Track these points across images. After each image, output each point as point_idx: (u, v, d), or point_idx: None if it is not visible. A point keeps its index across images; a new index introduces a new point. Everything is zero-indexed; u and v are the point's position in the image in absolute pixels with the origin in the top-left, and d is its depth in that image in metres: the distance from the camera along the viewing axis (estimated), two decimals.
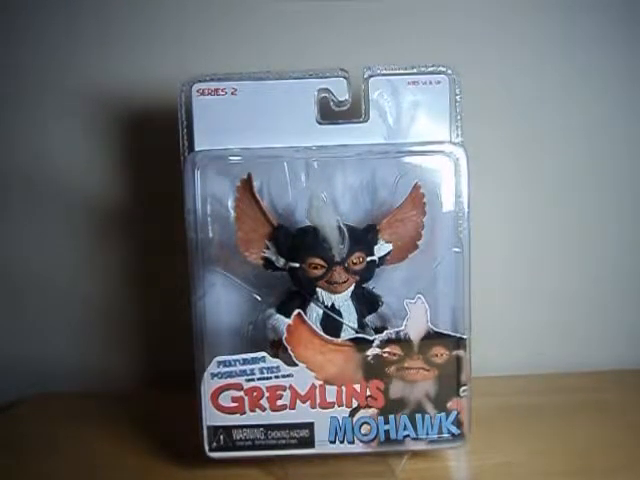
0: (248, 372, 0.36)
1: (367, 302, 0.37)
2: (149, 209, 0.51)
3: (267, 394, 0.36)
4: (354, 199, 0.38)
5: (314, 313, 0.36)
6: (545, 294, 0.53)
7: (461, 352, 0.36)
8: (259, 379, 0.36)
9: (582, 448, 0.39)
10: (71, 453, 0.41)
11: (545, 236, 0.52)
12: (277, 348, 0.36)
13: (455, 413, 0.37)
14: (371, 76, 0.37)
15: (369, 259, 0.37)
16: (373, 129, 0.37)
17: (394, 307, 0.37)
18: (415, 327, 0.36)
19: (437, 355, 0.36)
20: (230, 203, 0.36)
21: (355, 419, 0.36)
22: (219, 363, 0.36)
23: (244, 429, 0.36)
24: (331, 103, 0.37)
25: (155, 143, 0.47)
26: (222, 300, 0.38)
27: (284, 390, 0.36)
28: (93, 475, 0.39)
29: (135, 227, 0.52)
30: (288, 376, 0.36)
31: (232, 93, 0.37)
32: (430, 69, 0.37)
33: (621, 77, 0.51)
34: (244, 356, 0.36)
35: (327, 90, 0.37)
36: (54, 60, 0.51)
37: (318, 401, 0.36)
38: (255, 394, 0.36)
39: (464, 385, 0.37)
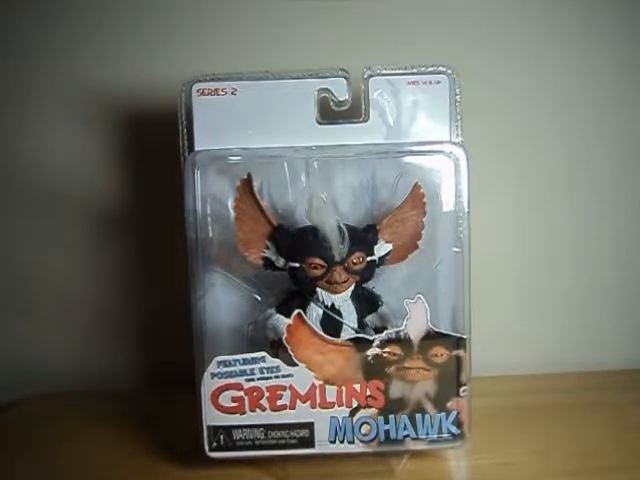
0: (248, 372, 0.36)
1: (367, 302, 0.37)
2: (149, 209, 0.51)
3: (267, 394, 0.36)
4: (354, 199, 0.38)
5: (314, 313, 0.36)
6: (545, 294, 0.53)
7: (461, 352, 0.36)
8: (259, 379, 0.36)
9: (582, 448, 0.39)
10: (71, 453, 0.41)
11: (545, 236, 0.52)
12: (277, 348, 0.36)
13: (455, 413, 0.37)
14: (371, 76, 0.37)
15: (369, 259, 0.37)
16: (373, 129, 0.37)
17: (394, 307, 0.37)
18: (415, 327, 0.36)
19: (437, 355, 0.36)
20: (230, 203, 0.36)
21: (355, 419, 0.36)
22: (219, 363, 0.36)
23: (244, 429, 0.36)
24: (331, 103, 0.37)
25: (155, 143, 0.47)
26: (222, 300, 0.38)
27: (284, 390, 0.36)
28: (93, 475, 0.39)
29: (135, 227, 0.52)
30: (288, 376, 0.36)
31: (232, 93, 0.37)
32: (430, 69, 0.37)
33: (621, 77, 0.51)
34: (244, 356, 0.36)
35: (327, 90, 0.37)
36: (54, 60, 0.51)
37: (318, 401, 0.36)
38: (255, 394, 0.36)
39: (464, 385, 0.37)
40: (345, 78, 0.37)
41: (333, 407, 0.36)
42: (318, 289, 0.36)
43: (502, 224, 0.52)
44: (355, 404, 0.36)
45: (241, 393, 0.36)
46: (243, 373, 0.36)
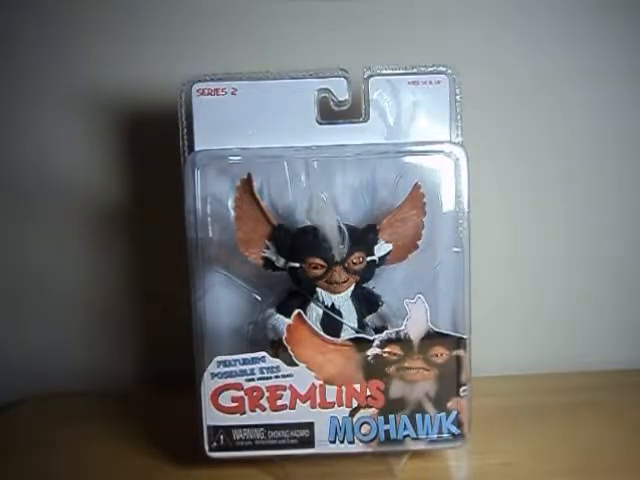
0: (248, 372, 0.36)
1: (367, 302, 0.37)
2: (149, 209, 0.51)
3: (267, 394, 0.36)
4: (354, 199, 0.38)
5: (314, 313, 0.36)
6: (545, 294, 0.53)
7: (461, 352, 0.36)
8: (259, 379, 0.36)
9: (582, 448, 0.39)
10: (71, 453, 0.41)
11: (545, 236, 0.52)
12: (277, 348, 0.36)
13: (455, 413, 0.37)
14: (371, 76, 0.37)
15: (369, 259, 0.37)
16: (373, 129, 0.37)
17: (394, 307, 0.37)
18: (415, 327, 0.36)
19: (437, 355, 0.36)
20: (230, 203, 0.36)
21: (355, 419, 0.36)
22: (219, 363, 0.36)
23: (244, 429, 0.36)
24: (331, 103, 0.37)
25: (155, 143, 0.47)
26: (222, 300, 0.38)
27: (284, 390, 0.36)
28: (93, 475, 0.39)
29: (135, 227, 0.52)
30: (288, 376, 0.36)
31: (232, 93, 0.37)
32: (430, 69, 0.37)
33: (623, 75, 0.51)
34: (244, 356, 0.36)
35: (327, 90, 0.37)
36: (54, 60, 0.50)
37: (318, 401, 0.36)
38: (255, 394, 0.36)
39: (464, 385, 0.37)
40: (345, 78, 0.37)
41: (333, 407, 0.36)
42: (318, 289, 0.36)
43: (502, 224, 0.52)
44: (355, 404, 0.36)
45: (241, 393, 0.36)
46: (243, 373, 0.36)
